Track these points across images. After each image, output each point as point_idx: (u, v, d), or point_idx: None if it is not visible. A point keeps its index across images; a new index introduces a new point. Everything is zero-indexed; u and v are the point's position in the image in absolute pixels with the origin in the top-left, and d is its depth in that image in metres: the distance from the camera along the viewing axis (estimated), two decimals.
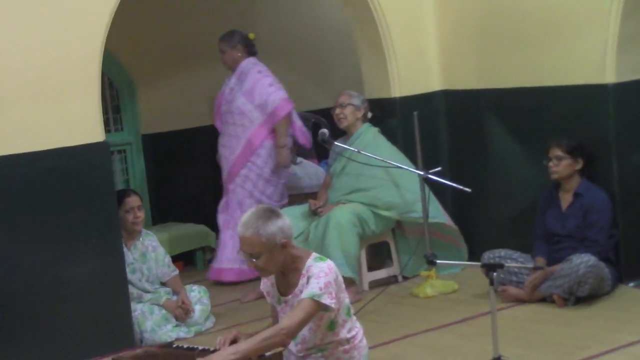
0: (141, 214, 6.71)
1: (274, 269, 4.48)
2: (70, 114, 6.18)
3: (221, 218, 7.95)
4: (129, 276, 6.54)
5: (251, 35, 8.01)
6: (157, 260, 6.81)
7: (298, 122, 7.96)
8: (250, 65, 7.92)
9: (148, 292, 6.70)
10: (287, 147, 7.81)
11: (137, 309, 6.53)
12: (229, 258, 7.88)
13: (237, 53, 7.93)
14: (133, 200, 6.68)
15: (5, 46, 5.96)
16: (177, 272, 6.95)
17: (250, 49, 8.00)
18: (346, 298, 4.57)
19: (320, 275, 4.40)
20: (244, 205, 7.71)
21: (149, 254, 6.78)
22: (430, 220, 7.19)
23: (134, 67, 9.15)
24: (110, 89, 9.17)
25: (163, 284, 6.85)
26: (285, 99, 7.76)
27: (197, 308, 6.76)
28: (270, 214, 4.42)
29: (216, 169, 8.99)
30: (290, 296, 4.54)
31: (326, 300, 4.38)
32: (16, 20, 5.98)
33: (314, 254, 4.55)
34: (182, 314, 6.64)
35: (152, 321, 6.54)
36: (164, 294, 6.72)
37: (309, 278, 4.43)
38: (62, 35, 6.13)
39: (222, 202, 7.99)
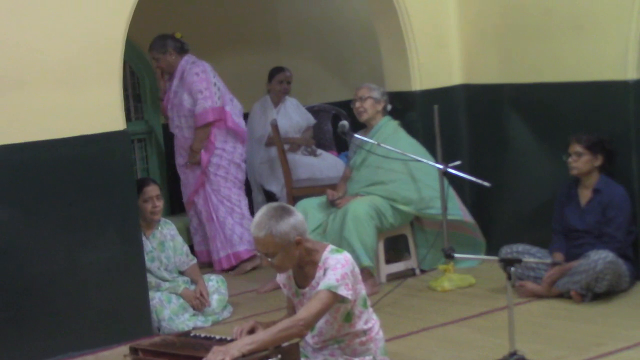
0: (160, 203, 6.73)
1: (290, 265, 4.50)
2: (92, 102, 6.20)
3: (203, 215, 8.12)
4: (148, 265, 6.57)
5: (177, 35, 8.04)
6: (175, 249, 6.83)
7: (235, 119, 8.05)
8: (189, 65, 7.95)
9: (166, 280, 6.73)
10: (199, 151, 7.93)
11: (155, 298, 6.56)
12: (222, 244, 8.04)
13: (170, 57, 8.00)
14: (152, 190, 6.70)
15: (28, 34, 5.99)
16: (195, 261, 6.97)
17: (181, 48, 8.03)
18: (363, 289, 4.58)
19: (337, 267, 4.42)
20: (221, 191, 7.97)
21: (167, 242, 6.80)
22: (449, 217, 7.19)
23: None
24: (132, 77, 9.20)
25: (181, 273, 6.87)
26: (209, 108, 7.82)
27: (215, 298, 6.78)
28: (282, 212, 4.43)
29: None
30: (307, 288, 4.55)
31: (343, 291, 4.39)
32: (39, 8, 6.00)
33: (330, 246, 4.56)
34: (199, 304, 6.67)
35: (170, 310, 6.57)
36: (182, 283, 6.74)
37: (325, 270, 4.44)
38: (84, 23, 6.15)
39: (197, 202, 8.15)
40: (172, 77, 8.03)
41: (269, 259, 4.44)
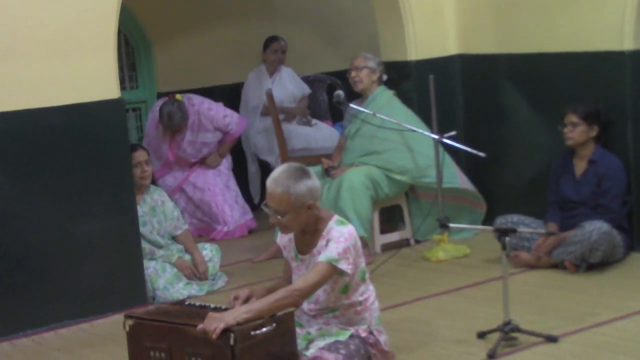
0: (148, 168, 6.74)
1: (296, 227, 4.50)
2: (86, 71, 6.18)
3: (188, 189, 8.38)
4: (140, 229, 6.57)
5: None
6: (165, 213, 6.84)
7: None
8: (194, 109, 8.29)
9: (160, 246, 6.74)
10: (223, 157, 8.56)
11: (150, 267, 6.57)
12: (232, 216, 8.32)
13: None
14: (140, 155, 6.71)
15: (21, 2, 5.95)
16: (187, 226, 7.01)
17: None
18: (362, 263, 4.58)
19: (340, 240, 4.42)
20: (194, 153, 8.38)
21: (158, 207, 6.81)
22: (445, 185, 7.19)
23: (151, 24, 9.13)
24: (126, 46, 9.16)
25: (174, 240, 6.88)
26: (238, 121, 8.46)
27: (208, 265, 6.82)
28: (302, 173, 4.42)
29: None
30: (307, 255, 4.56)
31: (343, 265, 4.39)
32: None
33: (336, 217, 4.56)
34: (190, 274, 6.68)
35: (165, 279, 6.59)
36: (176, 252, 6.76)
37: (328, 241, 4.44)
38: None
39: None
40: (182, 132, 8.27)
41: (278, 217, 4.43)
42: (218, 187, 8.33)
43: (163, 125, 8.16)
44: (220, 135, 8.41)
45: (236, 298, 4.46)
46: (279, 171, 4.45)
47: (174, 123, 8.11)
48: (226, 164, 8.54)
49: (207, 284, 6.75)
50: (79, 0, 6.11)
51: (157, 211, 6.80)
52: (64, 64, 6.10)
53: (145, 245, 6.61)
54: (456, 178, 7.44)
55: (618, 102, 6.71)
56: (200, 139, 8.32)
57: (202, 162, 8.45)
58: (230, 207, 8.33)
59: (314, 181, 4.45)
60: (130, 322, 4.45)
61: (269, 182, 4.44)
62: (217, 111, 8.35)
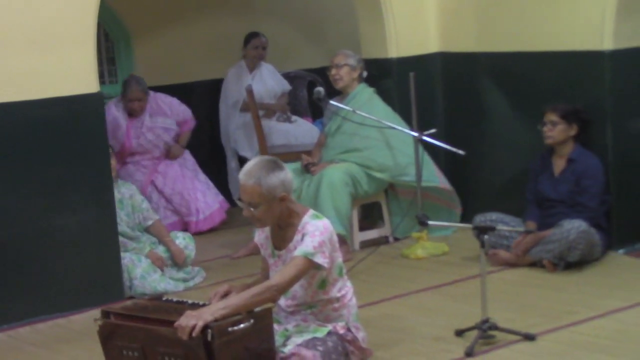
0: (113, 162, 6.72)
1: (270, 220, 4.50)
2: (65, 64, 6.15)
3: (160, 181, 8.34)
4: None
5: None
6: (134, 206, 6.83)
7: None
8: (153, 97, 8.35)
9: (130, 238, 6.71)
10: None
11: (126, 257, 6.54)
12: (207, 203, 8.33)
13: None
14: None
15: None
16: (158, 217, 7.01)
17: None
18: (339, 257, 4.59)
19: (316, 234, 4.42)
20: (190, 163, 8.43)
21: (125, 200, 6.79)
22: (424, 183, 7.19)
23: (131, 19, 9.09)
24: (106, 40, 9.12)
25: (147, 231, 6.85)
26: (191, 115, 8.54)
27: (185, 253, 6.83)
28: (274, 166, 4.44)
29: (213, 123, 9.01)
30: (283, 251, 4.55)
31: (319, 259, 4.39)
32: None
33: (311, 211, 4.56)
34: (162, 265, 6.67)
35: (141, 268, 6.57)
36: (148, 245, 6.74)
37: (304, 235, 4.44)
38: None
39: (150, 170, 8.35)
40: (141, 116, 8.24)
41: (252, 209, 4.42)
42: (187, 177, 8.31)
43: (124, 98, 8.15)
44: (177, 129, 8.42)
45: (216, 293, 4.45)
46: (251, 164, 4.47)
47: (135, 88, 8.12)
48: (191, 160, 8.48)
49: (182, 280, 6.73)
50: None
51: (125, 204, 6.79)
52: (43, 57, 6.06)
53: None
54: (435, 177, 7.45)
55: (597, 101, 6.73)
56: (160, 124, 8.29)
57: (167, 156, 8.40)
58: (203, 194, 8.33)
59: (286, 173, 4.45)
60: (100, 321, 4.42)
61: (241, 174, 4.45)
62: (173, 99, 8.44)
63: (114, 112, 8.16)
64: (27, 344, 5.80)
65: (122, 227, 6.69)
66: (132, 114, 8.18)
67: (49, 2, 6.06)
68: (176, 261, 6.74)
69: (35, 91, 6.05)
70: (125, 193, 6.82)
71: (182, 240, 6.88)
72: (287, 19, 9.88)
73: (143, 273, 6.56)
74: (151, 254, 6.69)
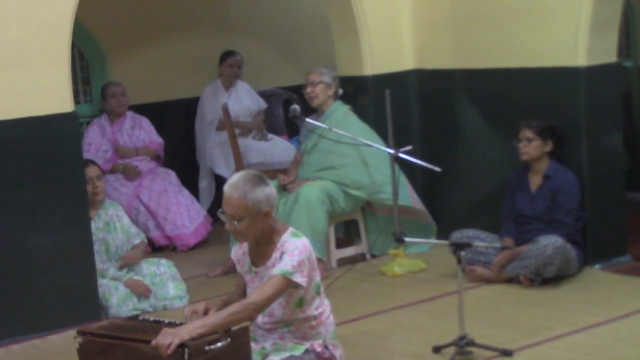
0: (100, 184, 6.69)
1: (251, 235, 4.48)
2: (40, 83, 6.12)
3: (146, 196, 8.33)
4: None
5: None
6: (122, 229, 6.77)
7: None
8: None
9: (107, 266, 6.67)
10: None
11: (103, 284, 6.48)
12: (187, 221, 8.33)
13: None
14: (91, 170, 6.65)
15: None
16: (145, 240, 6.97)
17: None
18: (317, 276, 4.58)
19: (295, 253, 4.40)
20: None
21: (112, 223, 6.75)
22: (398, 202, 7.19)
23: (106, 38, 9.07)
24: (81, 60, 9.09)
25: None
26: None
27: (171, 285, 6.72)
28: (260, 180, 4.43)
29: (189, 143, 8.99)
30: (261, 267, 4.53)
31: (297, 278, 4.38)
32: None
33: (291, 229, 4.55)
34: (143, 293, 6.58)
35: (117, 296, 6.49)
36: (126, 272, 6.68)
37: (282, 253, 4.43)
38: (32, 2, 6.06)
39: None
40: (120, 121, 8.47)
41: (235, 222, 4.41)
42: (171, 191, 8.29)
43: (104, 101, 8.40)
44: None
45: (195, 312, 4.43)
46: (237, 177, 4.47)
47: (113, 83, 8.39)
48: (174, 177, 8.47)
49: (162, 307, 6.67)
50: (32, 12, 6.05)
51: (112, 227, 6.74)
52: (17, 76, 6.04)
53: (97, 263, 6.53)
54: (407, 197, 7.43)
55: (572, 118, 6.77)
56: (136, 134, 8.46)
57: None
58: (187, 208, 8.30)
59: (271, 189, 4.45)
60: (80, 339, 4.39)
61: (227, 187, 4.43)
62: (152, 128, 8.63)
63: (97, 121, 8.38)
64: None
65: (100, 255, 6.61)
66: (113, 116, 8.38)
67: (23, 21, 6.04)
68: (135, 294, 6.62)
69: (9, 110, 6.02)
70: (113, 215, 6.78)
71: (166, 269, 6.77)
72: (262, 37, 9.89)
73: (119, 301, 6.49)
74: (131, 281, 6.61)
